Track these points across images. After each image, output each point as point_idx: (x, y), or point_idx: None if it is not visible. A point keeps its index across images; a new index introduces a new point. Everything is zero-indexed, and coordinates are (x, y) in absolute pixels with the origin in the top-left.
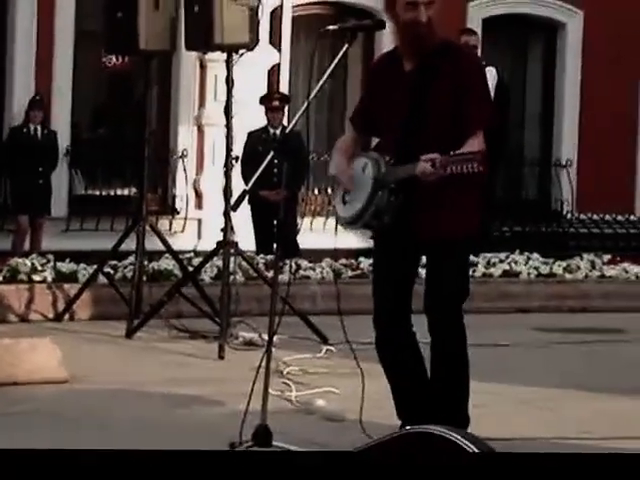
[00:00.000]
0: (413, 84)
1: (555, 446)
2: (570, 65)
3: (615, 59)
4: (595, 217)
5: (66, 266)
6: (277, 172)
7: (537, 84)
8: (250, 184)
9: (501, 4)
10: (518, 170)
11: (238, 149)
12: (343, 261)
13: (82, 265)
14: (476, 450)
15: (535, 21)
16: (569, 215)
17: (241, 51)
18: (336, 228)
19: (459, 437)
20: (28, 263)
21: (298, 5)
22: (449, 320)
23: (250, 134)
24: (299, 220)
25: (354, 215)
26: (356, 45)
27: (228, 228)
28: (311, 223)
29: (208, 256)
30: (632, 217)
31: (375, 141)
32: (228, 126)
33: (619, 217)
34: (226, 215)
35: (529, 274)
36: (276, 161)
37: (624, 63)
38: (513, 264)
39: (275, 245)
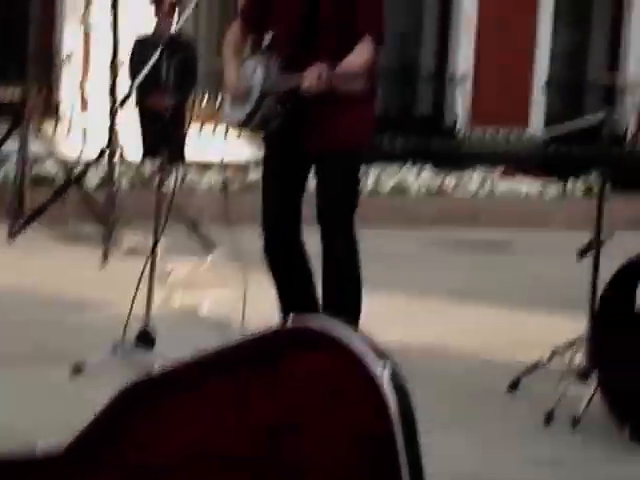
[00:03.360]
0: None
1: (439, 350)
2: None
3: None
4: (489, 131)
5: None
6: (166, 77)
7: None
8: (136, 82)
9: None
10: (412, 84)
11: (126, 53)
12: (232, 170)
13: None
14: (361, 344)
15: None
16: (463, 129)
17: None
18: (226, 134)
19: (341, 332)
20: None
21: None
22: (340, 231)
23: (138, 38)
24: (187, 126)
25: (242, 119)
26: None
27: (113, 133)
28: (200, 132)
29: (92, 161)
30: (525, 133)
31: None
32: (115, 28)
33: (513, 132)
34: (111, 120)
35: (419, 189)
36: (165, 66)
37: None
38: (403, 179)
39: (162, 151)
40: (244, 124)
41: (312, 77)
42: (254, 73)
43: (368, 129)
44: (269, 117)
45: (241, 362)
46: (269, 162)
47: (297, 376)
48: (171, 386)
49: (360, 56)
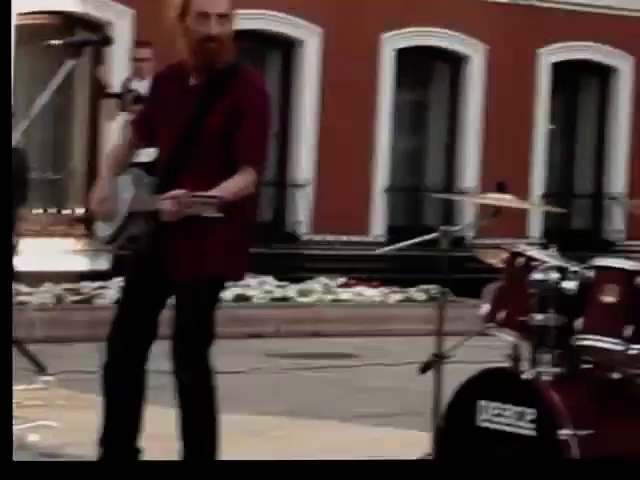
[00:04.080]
0: (195, 100)
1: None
2: (308, 85)
3: (348, 81)
4: (331, 238)
5: None
6: None
7: (274, 101)
8: None
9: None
10: None
11: None
12: (65, 285)
13: None
14: None
15: (270, 38)
16: (304, 236)
17: None
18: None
19: None
20: None
21: (22, 13)
22: (194, 368)
23: None
24: (17, 241)
25: (109, 236)
26: (84, 58)
27: None
28: (31, 244)
29: None
30: (367, 238)
31: None
32: None
33: (354, 238)
34: None
35: (262, 298)
36: None
37: (361, 85)
38: (246, 288)
39: None
40: (110, 241)
41: (168, 201)
42: (125, 189)
43: (236, 260)
44: (136, 237)
45: None
46: (131, 282)
47: None
48: None
49: (234, 185)
